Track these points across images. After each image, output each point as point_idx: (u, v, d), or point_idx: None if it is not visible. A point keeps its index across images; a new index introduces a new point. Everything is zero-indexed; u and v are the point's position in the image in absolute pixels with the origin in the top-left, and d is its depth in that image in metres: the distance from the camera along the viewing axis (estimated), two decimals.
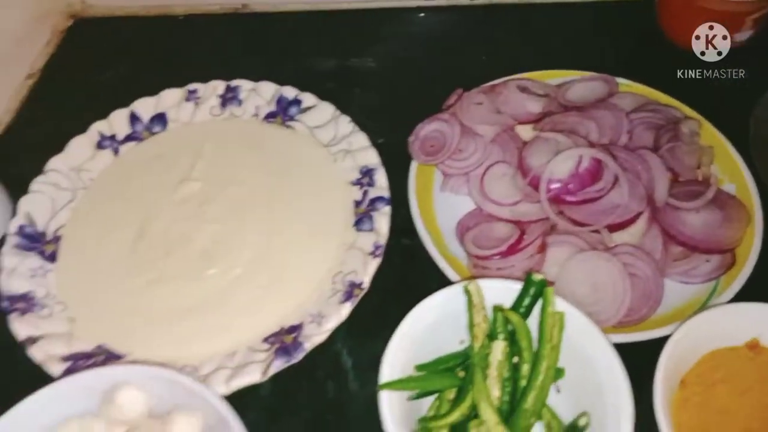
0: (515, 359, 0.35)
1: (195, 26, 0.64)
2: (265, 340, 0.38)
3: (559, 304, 0.35)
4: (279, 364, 0.36)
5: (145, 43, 0.63)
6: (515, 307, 0.35)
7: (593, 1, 0.62)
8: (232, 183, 0.47)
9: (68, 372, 0.36)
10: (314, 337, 0.37)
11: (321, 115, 0.50)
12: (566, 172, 0.41)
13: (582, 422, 0.31)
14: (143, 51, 0.62)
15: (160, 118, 0.51)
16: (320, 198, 0.46)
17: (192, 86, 0.52)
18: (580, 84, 0.50)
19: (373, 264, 0.40)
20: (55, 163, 0.47)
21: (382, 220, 0.43)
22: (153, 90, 0.52)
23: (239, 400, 0.33)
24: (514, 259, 0.40)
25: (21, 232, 0.43)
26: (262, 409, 0.38)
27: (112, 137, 0.49)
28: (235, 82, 0.52)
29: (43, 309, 0.40)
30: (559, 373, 0.35)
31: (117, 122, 0.50)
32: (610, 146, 0.43)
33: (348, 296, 0.39)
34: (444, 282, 0.37)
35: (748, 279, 0.40)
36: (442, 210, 0.45)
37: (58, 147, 0.49)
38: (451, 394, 0.35)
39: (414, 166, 0.47)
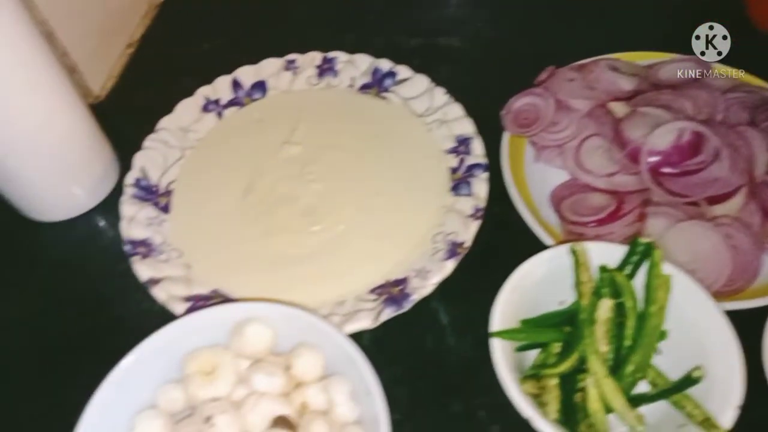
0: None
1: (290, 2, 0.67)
2: (372, 291, 0.40)
3: (666, 268, 0.36)
4: (389, 312, 0.38)
5: (241, 16, 0.65)
6: (620, 268, 0.37)
7: None
8: (330, 147, 0.49)
9: (189, 311, 0.39)
10: (420, 289, 0.39)
11: (416, 86, 0.51)
12: (667, 144, 0.42)
13: (696, 374, 0.32)
14: (239, 24, 0.65)
15: (260, 86, 0.53)
16: (416, 164, 0.47)
17: (291, 56, 0.54)
18: (672, 65, 0.50)
19: (474, 225, 0.42)
20: (165, 122, 0.50)
21: (481, 185, 0.44)
22: (248, 62, 0.55)
23: None
24: (612, 226, 0.41)
25: (137, 184, 0.46)
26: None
27: (216, 101, 0.52)
28: (331, 54, 0.54)
29: (162, 254, 0.43)
30: (662, 334, 0.36)
31: (221, 88, 0.53)
32: (708, 122, 0.44)
33: (450, 254, 0.40)
34: (534, 248, 0.38)
35: None
36: (533, 180, 0.46)
37: (156, 111, 0.52)
38: (556, 348, 0.37)
39: (506, 138, 0.48)
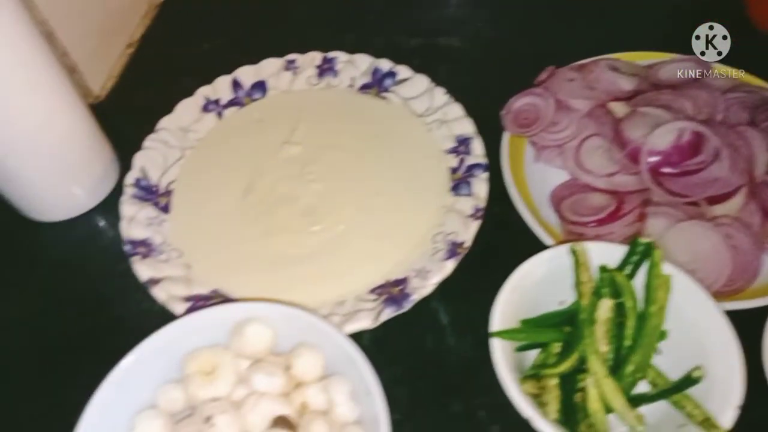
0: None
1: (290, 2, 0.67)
2: (372, 291, 0.40)
3: (666, 268, 0.36)
4: (389, 312, 0.38)
5: (241, 16, 0.65)
6: (620, 268, 0.37)
7: None
8: (330, 148, 0.49)
9: (189, 311, 0.39)
10: (420, 289, 0.39)
11: (416, 86, 0.51)
12: (667, 144, 0.42)
13: (696, 374, 0.32)
14: (239, 24, 0.65)
15: (260, 86, 0.53)
16: (416, 164, 0.48)
17: (291, 56, 0.54)
18: (672, 65, 0.50)
19: (474, 225, 0.42)
20: (165, 122, 0.50)
21: (481, 185, 0.44)
22: (248, 62, 0.55)
23: None
24: (612, 226, 0.41)
25: (137, 184, 0.46)
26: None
27: (216, 101, 0.52)
28: (331, 54, 0.54)
29: (161, 254, 0.43)
30: (662, 335, 0.36)
31: (221, 88, 0.53)
32: (708, 122, 0.44)
33: (450, 254, 0.40)
34: (534, 248, 0.38)
35: None
36: (533, 180, 0.46)
37: (156, 111, 0.52)
38: (556, 348, 0.37)
39: (506, 138, 0.48)
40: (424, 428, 0.38)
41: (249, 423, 0.31)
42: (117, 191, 0.48)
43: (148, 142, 0.49)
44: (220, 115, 0.52)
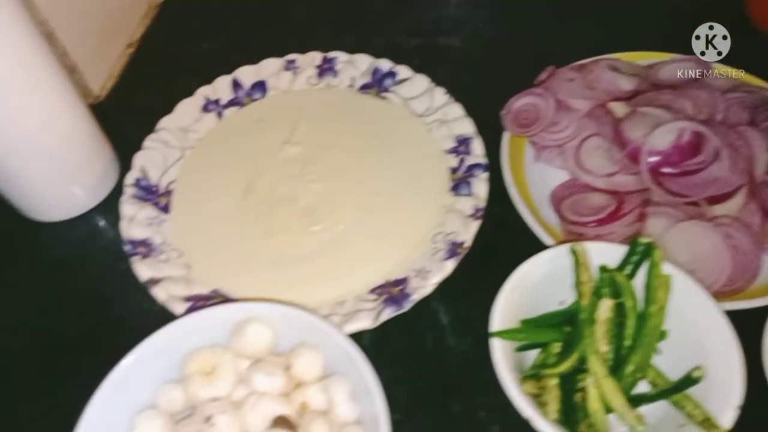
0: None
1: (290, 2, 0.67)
2: (372, 291, 0.40)
3: (666, 268, 0.36)
4: (389, 312, 0.38)
5: (241, 16, 0.66)
6: (620, 268, 0.37)
7: None
8: (330, 147, 0.49)
9: (189, 311, 0.39)
10: (420, 289, 0.39)
11: (416, 86, 0.51)
12: (667, 144, 0.42)
13: (696, 374, 0.32)
14: (239, 24, 0.65)
15: (260, 86, 0.53)
16: (416, 164, 0.48)
17: (291, 56, 0.54)
18: (672, 65, 0.50)
19: (474, 225, 0.42)
20: (165, 122, 0.50)
21: (481, 185, 0.44)
22: (248, 62, 0.55)
23: None
24: (612, 226, 0.41)
25: (137, 184, 0.46)
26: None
27: (216, 101, 0.52)
28: (331, 54, 0.54)
29: (161, 254, 0.43)
30: (662, 335, 0.36)
31: (221, 88, 0.53)
32: (708, 122, 0.44)
33: (450, 254, 0.41)
34: (534, 248, 0.38)
35: None
36: (533, 180, 0.46)
37: (156, 111, 0.52)
38: (556, 348, 0.37)
39: (506, 138, 0.48)
40: (424, 428, 0.38)
41: (249, 423, 0.31)
42: (117, 191, 0.48)
43: (148, 142, 0.49)
44: (220, 115, 0.52)
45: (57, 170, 0.45)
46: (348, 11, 0.65)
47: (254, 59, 0.54)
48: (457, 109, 0.49)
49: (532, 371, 0.35)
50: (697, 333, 0.35)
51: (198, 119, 0.51)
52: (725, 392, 0.32)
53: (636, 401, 0.34)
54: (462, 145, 0.47)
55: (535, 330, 0.36)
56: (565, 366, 0.34)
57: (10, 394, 0.40)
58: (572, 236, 0.43)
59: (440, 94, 0.50)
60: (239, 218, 0.45)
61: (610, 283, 0.36)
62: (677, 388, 0.33)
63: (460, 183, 0.45)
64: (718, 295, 0.40)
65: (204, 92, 0.52)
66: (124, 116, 0.56)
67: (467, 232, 0.42)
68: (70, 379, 0.38)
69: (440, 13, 0.64)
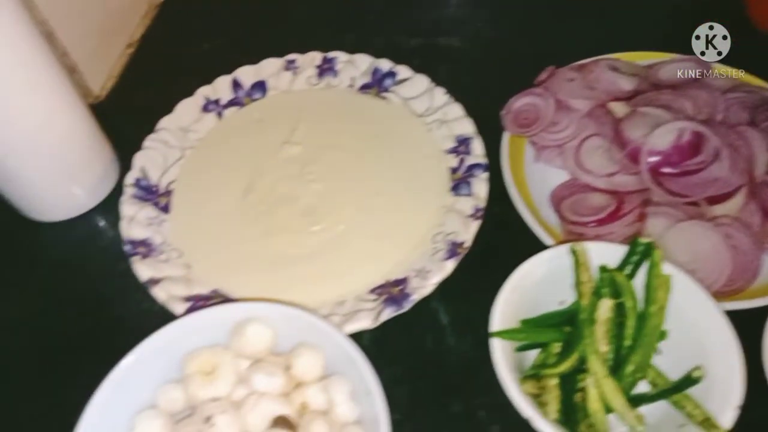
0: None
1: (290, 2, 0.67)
2: (372, 291, 0.40)
3: (666, 268, 0.36)
4: (389, 312, 0.38)
5: (241, 16, 0.66)
6: (620, 268, 0.37)
7: None
8: (330, 147, 0.49)
9: (189, 311, 0.39)
10: (420, 289, 0.39)
11: (416, 86, 0.51)
12: (667, 144, 0.42)
13: (696, 374, 0.32)
14: (239, 24, 0.65)
15: (260, 86, 0.53)
16: (416, 164, 0.48)
17: (291, 56, 0.54)
18: (672, 65, 0.50)
19: (474, 225, 0.42)
20: (165, 122, 0.50)
21: (481, 185, 0.44)
22: (248, 62, 0.54)
23: None
24: (612, 226, 0.41)
25: (137, 184, 0.46)
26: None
27: (216, 101, 0.52)
28: (331, 54, 0.54)
29: (161, 254, 0.43)
30: (662, 335, 0.36)
31: (221, 87, 0.53)
32: (708, 122, 0.44)
33: (450, 254, 0.41)
34: (534, 248, 0.38)
35: None
36: (533, 180, 0.46)
37: (156, 111, 0.52)
38: (556, 348, 0.37)
39: (505, 138, 0.48)
40: (424, 428, 0.38)
41: (249, 423, 0.31)
42: (117, 191, 0.48)
43: (148, 142, 0.49)
44: (220, 115, 0.52)
45: (57, 170, 0.45)
46: (348, 11, 0.65)
47: (254, 59, 0.54)
48: (457, 109, 0.49)
49: (532, 371, 0.35)
50: (697, 333, 0.35)
51: (198, 119, 0.51)
52: (725, 392, 0.32)
53: (636, 401, 0.34)
54: (462, 145, 0.47)
55: (535, 330, 0.36)
56: (565, 366, 0.34)
57: (10, 394, 0.40)
58: (572, 236, 0.43)
59: (440, 94, 0.50)
60: (239, 218, 0.45)
61: (610, 283, 0.36)
62: (677, 388, 0.33)
63: (460, 183, 0.45)
64: (718, 295, 0.40)
65: (204, 92, 0.52)
66: (124, 116, 0.56)
67: (467, 232, 0.42)
68: (70, 379, 0.38)
69: (440, 13, 0.64)
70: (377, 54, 0.55)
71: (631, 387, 0.35)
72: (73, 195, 0.48)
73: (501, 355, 0.33)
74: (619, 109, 0.48)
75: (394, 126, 0.50)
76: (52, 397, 0.40)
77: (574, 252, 0.37)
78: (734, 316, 0.34)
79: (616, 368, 0.35)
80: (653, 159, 0.42)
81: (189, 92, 0.53)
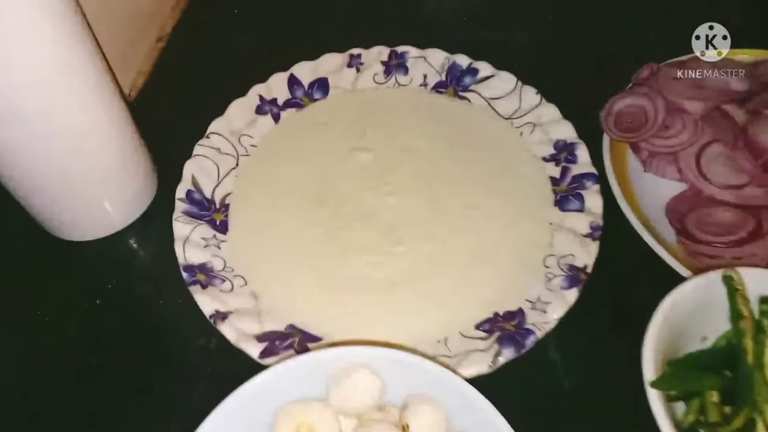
0: None
1: None
2: (479, 326, 0.34)
3: None
4: (509, 354, 0.32)
5: (284, 3, 0.58)
6: None
7: None
8: (408, 154, 0.43)
9: (265, 353, 0.33)
10: (543, 324, 0.33)
11: (501, 85, 0.45)
12: None
13: None
14: (285, 10, 0.57)
15: (320, 84, 0.47)
16: (509, 174, 0.42)
17: (354, 51, 0.48)
18: None
19: (594, 246, 0.36)
20: (216, 125, 0.43)
21: (595, 198, 0.39)
22: (302, 57, 0.48)
23: None
24: (754, 247, 0.35)
25: (189, 197, 0.40)
26: None
27: (273, 101, 0.46)
28: (400, 48, 0.48)
29: (224, 282, 0.37)
30: None
31: (276, 86, 0.46)
32: None
33: (573, 281, 0.35)
34: (653, 272, 0.33)
35: None
36: (643, 192, 0.41)
37: (193, 113, 0.45)
38: (713, 397, 0.31)
39: (606, 143, 0.42)
40: None
41: None
42: (155, 207, 0.42)
43: (199, 148, 0.42)
44: (276, 117, 0.45)
45: (93, 182, 0.39)
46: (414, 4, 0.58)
47: (304, 53, 0.47)
48: (552, 111, 0.43)
49: (705, 430, 0.29)
50: None
51: (252, 122, 0.45)
52: None
53: None
54: (563, 151, 0.41)
55: (695, 376, 0.30)
56: (740, 421, 0.28)
57: None
58: (697, 257, 0.37)
59: (531, 94, 0.44)
60: (309, 238, 0.39)
61: None
62: None
63: (567, 196, 0.39)
64: None
65: (258, 91, 0.45)
66: (159, 119, 0.49)
67: (588, 255, 0.36)
68: None
69: (517, 5, 0.57)
70: (451, 50, 0.47)
71: None
72: (107, 211, 0.41)
73: (661, 409, 0.28)
74: (735, 112, 0.42)
75: (478, 130, 0.44)
76: None
77: (729, 280, 0.31)
78: None
79: None
80: None
81: (231, 91, 0.46)
